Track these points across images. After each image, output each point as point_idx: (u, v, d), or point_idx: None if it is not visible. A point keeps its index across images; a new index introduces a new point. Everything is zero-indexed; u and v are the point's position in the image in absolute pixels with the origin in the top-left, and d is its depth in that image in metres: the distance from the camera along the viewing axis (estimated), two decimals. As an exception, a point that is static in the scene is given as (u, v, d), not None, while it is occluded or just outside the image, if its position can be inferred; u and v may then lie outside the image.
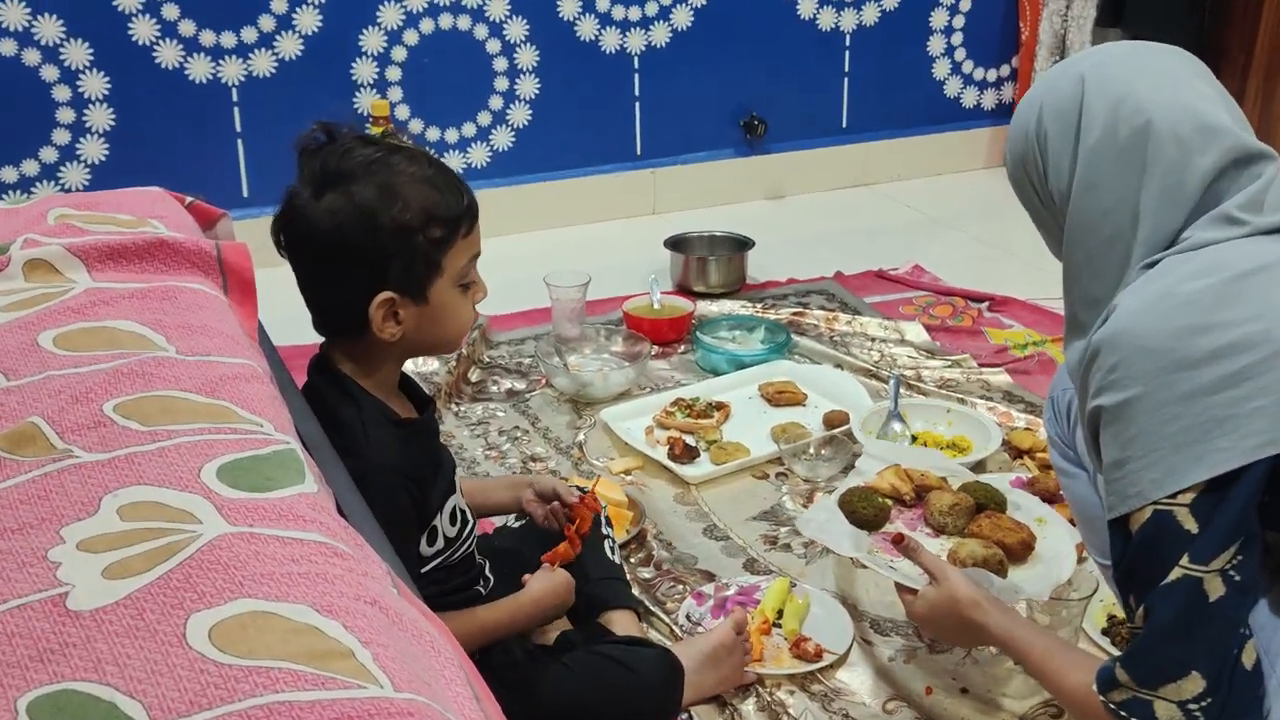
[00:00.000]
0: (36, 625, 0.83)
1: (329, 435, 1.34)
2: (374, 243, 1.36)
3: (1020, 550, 1.60)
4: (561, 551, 1.62)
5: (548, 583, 1.57)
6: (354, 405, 1.43)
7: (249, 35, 3.05)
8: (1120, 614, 1.76)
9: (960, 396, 2.44)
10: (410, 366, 2.11)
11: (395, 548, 1.32)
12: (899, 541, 1.53)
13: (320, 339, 1.49)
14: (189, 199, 1.61)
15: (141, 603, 0.85)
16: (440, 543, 1.52)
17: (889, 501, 1.70)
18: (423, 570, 1.50)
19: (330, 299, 1.42)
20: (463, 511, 1.57)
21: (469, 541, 1.58)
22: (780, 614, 1.80)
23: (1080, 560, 1.87)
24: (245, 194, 3.13)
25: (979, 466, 2.18)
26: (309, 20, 3.09)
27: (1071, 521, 1.68)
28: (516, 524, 1.80)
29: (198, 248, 1.37)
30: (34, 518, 0.94)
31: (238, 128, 3.10)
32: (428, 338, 1.43)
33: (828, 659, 1.72)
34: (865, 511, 1.65)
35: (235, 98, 3.07)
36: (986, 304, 2.90)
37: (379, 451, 1.41)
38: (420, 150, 1.44)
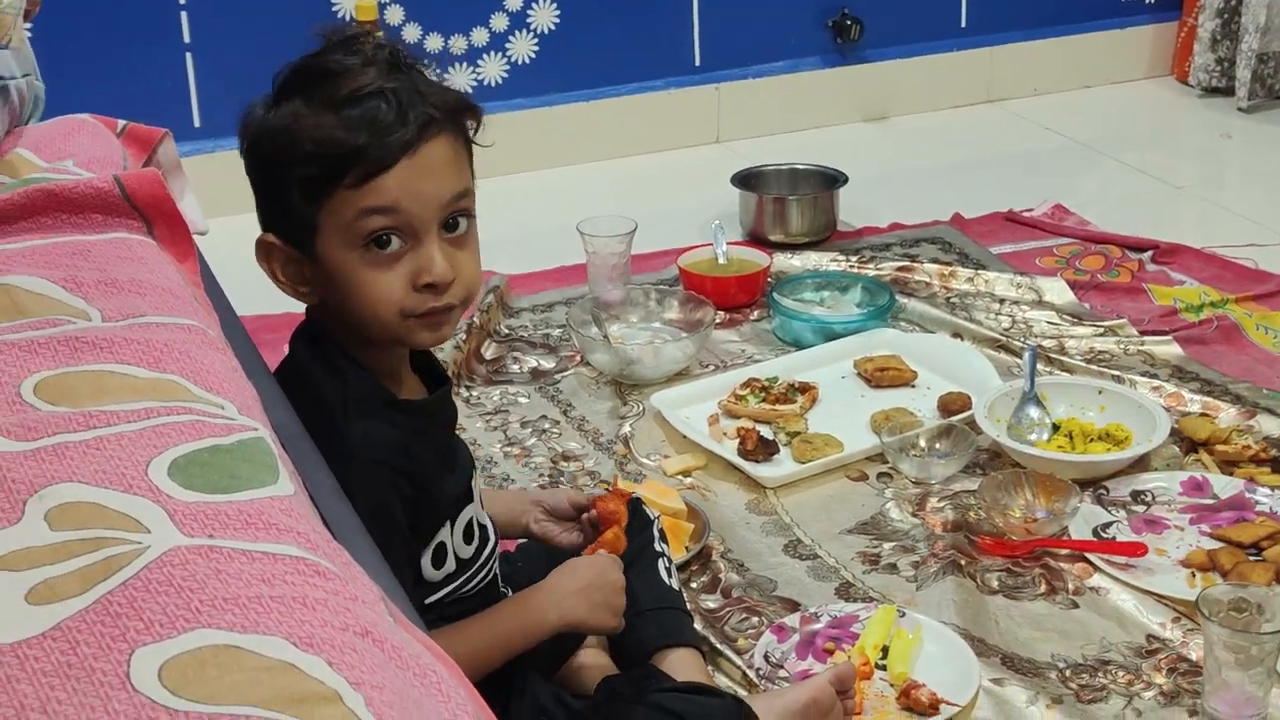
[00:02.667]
0: (-56, 662, 0.85)
1: (309, 422, 1.35)
2: (250, 166, 1.46)
3: None
4: (609, 540, 1.63)
5: (585, 563, 1.57)
6: (339, 380, 1.46)
7: (199, -81, 3.08)
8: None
9: (1116, 373, 2.42)
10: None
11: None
12: None
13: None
14: (122, 124, 1.63)
15: (75, 634, 0.86)
16: (451, 564, 1.53)
17: None
18: (427, 601, 1.51)
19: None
20: (482, 526, 1.58)
21: (489, 566, 1.59)
22: (885, 652, 1.80)
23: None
24: (196, 122, 3.16)
25: (1142, 463, 2.17)
26: (275, -101, 3.11)
27: None
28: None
29: (94, 189, 1.38)
30: (-62, 527, 0.96)
31: (186, 38, 3.12)
32: (353, 314, 1.45)
33: (946, 712, 1.71)
34: None
35: (182, 0, 3.10)
36: (1150, 254, 2.88)
37: (361, 437, 1.43)
38: (402, 65, 1.44)
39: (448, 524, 1.52)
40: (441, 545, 1.51)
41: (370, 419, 1.44)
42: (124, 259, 1.31)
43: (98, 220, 1.38)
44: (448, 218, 1.43)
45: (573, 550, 1.71)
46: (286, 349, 1.53)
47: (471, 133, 1.48)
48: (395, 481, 1.45)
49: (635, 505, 1.79)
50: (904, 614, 1.86)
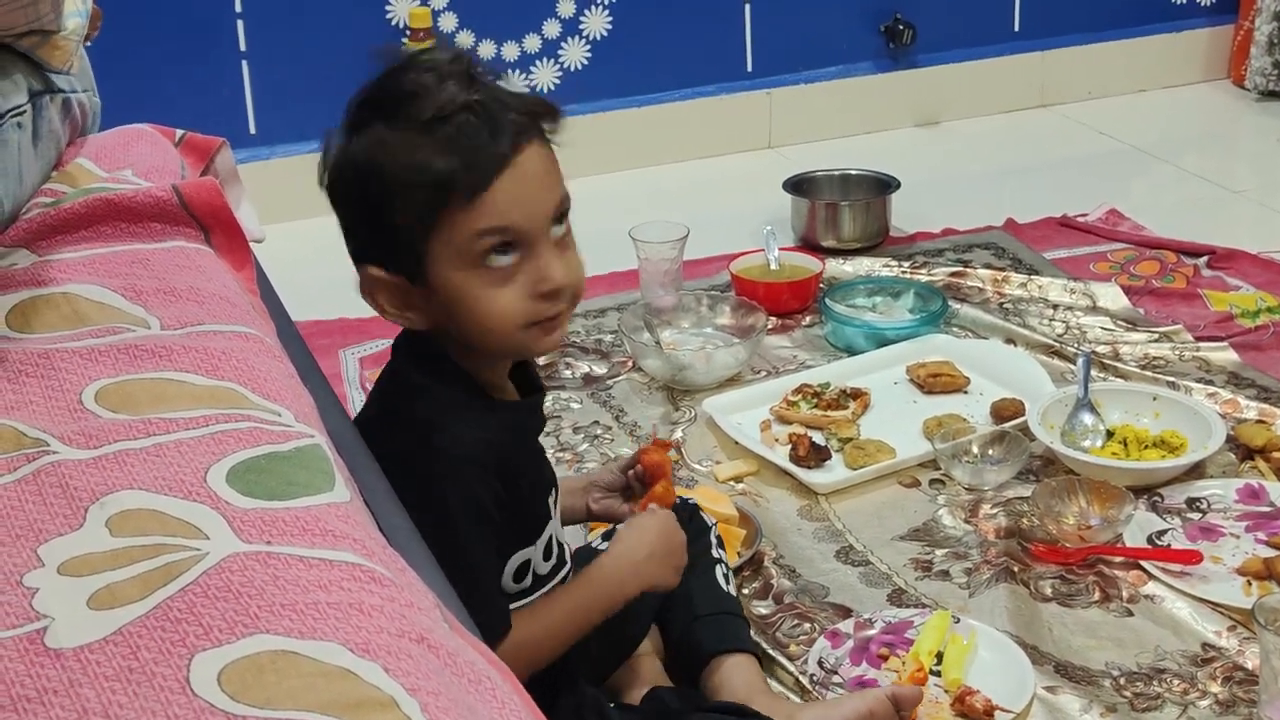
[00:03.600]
0: (8, 667, 0.86)
1: (405, 428, 1.38)
2: (345, 202, 1.42)
3: None
4: (657, 494, 1.63)
5: (640, 529, 1.57)
6: (442, 384, 1.46)
7: (255, -71, 3.11)
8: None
9: (1171, 380, 2.40)
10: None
11: (465, 560, 1.37)
12: None
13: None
14: (180, 133, 1.65)
15: (136, 639, 0.87)
16: (529, 580, 1.53)
17: None
18: None
19: None
20: (560, 545, 1.58)
21: (562, 582, 1.59)
22: (939, 658, 1.80)
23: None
24: (252, 130, 3.18)
25: (1197, 470, 2.15)
26: (329, -92, 3.13)
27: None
28: (603, 544, 1.81)
29: (152, 198, 1.40)
30: (4, 534, 0.97)
31: (242, 46, 3.15)
32: (467, 333, 1.44)
33: (1000, 718, 1.71)
34: None
35: (239, 8, 3.12)
36: (1206, 259, 2.86)
37: (458, 436, 1.43)
38: (477, 76, 1.41)
39: (538, 539, 1.52)
40: (525, 562, 1.52)
41: (468, 420, 1.45)
42: (182, 267, 1.33)
43: (156, 229, 1.39)
44: (553, 222, 1.43)
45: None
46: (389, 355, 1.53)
47: (550, 133, 1.45)
48: (487, 480, 1.44)
49: (693, 511, 1.79)
50: (958, 620, 1.86)
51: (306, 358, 1.45)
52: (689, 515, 1.75)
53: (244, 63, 3.15)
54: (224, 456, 1.04)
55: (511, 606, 1.50)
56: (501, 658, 1.44)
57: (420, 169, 1.36)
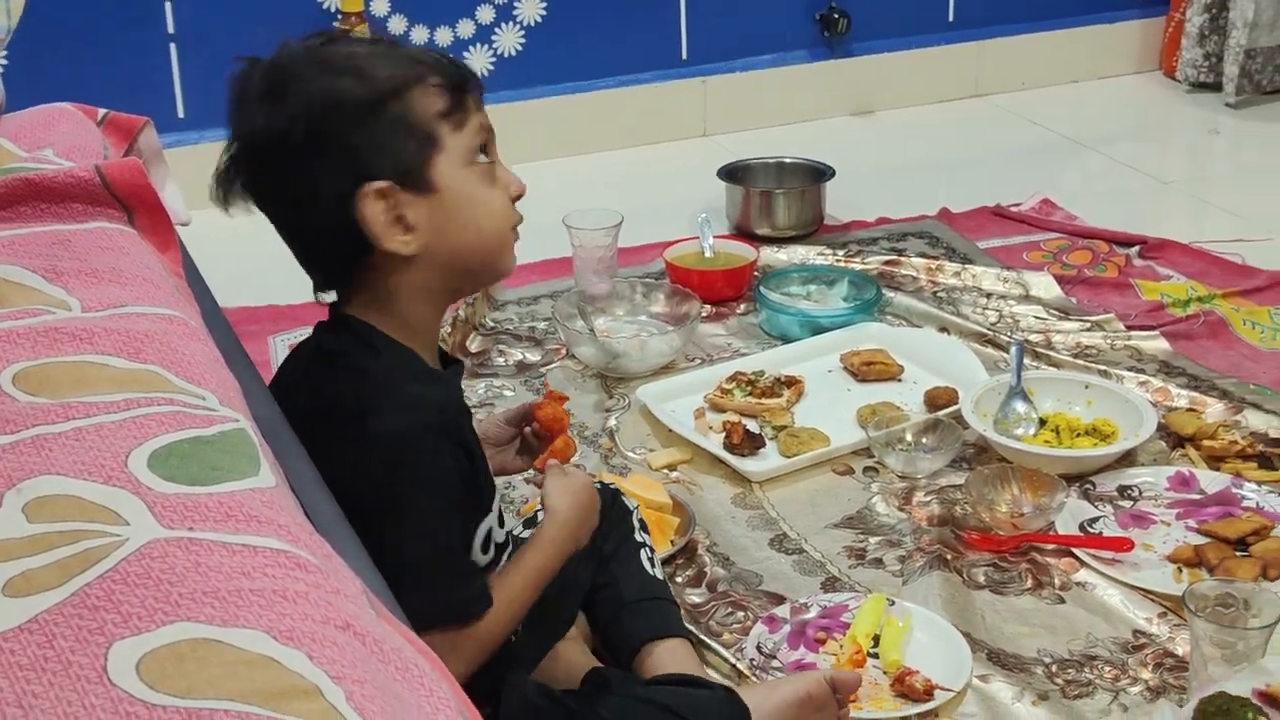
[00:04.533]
0: (-81, 655, 0.84)
1: (337, 408, 1.38)
2: (337, 127, 1.40)
3: None
4: (559, 449, 1.62)
5: (566, 492, 1.57)
6: (373, 355, 1.45)
7: (183, -91, 3.06)
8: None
9: (1103, 368, 2.42)
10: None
11: (437, 537, 1.40)
12: None
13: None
14: (103, 113, 1.62)
15: (52, 627, 0.86)
16: (492, 551, 1.53)
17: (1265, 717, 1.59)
18: None
19: (314, 226, 1.44)
20: (498, 543, 1.56)
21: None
22: (876, 641, 1.80)
23: (1262, 579, 1.87)
24: (181, 113, 3.14)
25: (1128, 458, 2.17)
26: (259, -111, 3.09)
27: None
28: (526, 532, 1.80)
29: (74, 178, 1.38)
30: (-86, 519, 0.95)
31: (170, 28, 3.11)
32: (459, 244, 1.44)
33: (941, 697, 1.71)
34: None
35: (166, -10, 3.09)
36: (1137, 249, 2.88)
37: (410, 409, 1.41)
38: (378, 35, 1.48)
39: (491, 509, 1.52)
40: (488, 532, 1.52)
41: (415, 388, 1.44)
42: (104, 249, 1.30)
43: (78, 210, 1.37)
44: None
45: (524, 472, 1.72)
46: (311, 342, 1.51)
47: None
48: (450, 449, 1.44)
49: (614, 495, 1.78)
50: (894, 603, 1.86)
51: (232, 342, 1.43)
52: (610, 499, 1.74)
53: (172, 45, 3.12)
54: (145, 440, 1.03)
55: None
56: (488, 631, 1.45)
57: (439, 66, 1.43)
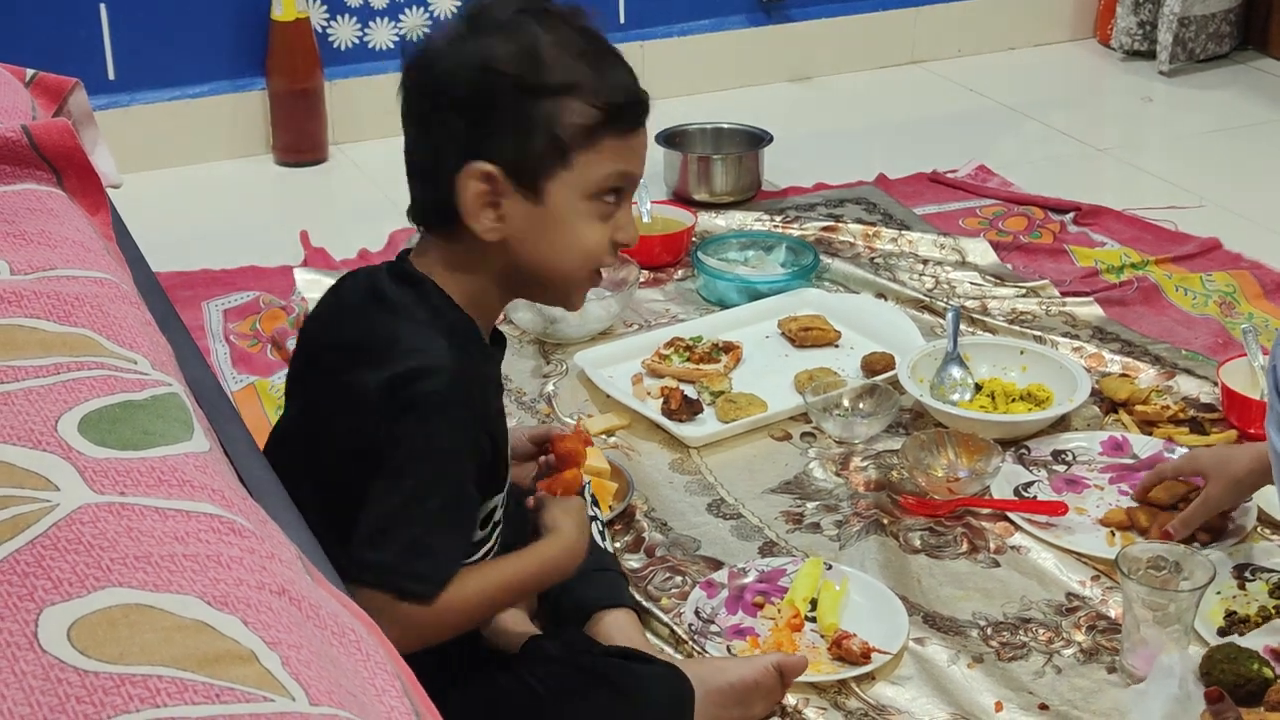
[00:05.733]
0: None
1: (368, 345, 1.38)
2: (484, 91, 1.38)
3: None
4: (567, 479, 1.60)
5: (573, 516, 1.53)
6: (432, 312, 1.43)
7: None
8: (1241, 609, 1.78)
9: (1037, 334, 2.44)
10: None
11: (416, 496, 1.37)
12: None
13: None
14: (31, 73, 1.60)
15: (-20, 593, 0.85)
16: (489, 528, 1.52)
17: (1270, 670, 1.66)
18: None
19: (424, 168, 1.44)
20: (496, 523, 1.54)
21: (490, 555, 1.55)
22: (813, 605, 1.81)
23: (1193, 542, 1.89)
24: (111, 75, 3.09)
25: (1063, 423, 2.18)
26: None
27: None
28: None
29: (1, 139, 1.36)
30: None
31: (100, -12, 3.07)
32: (538, 257, 1.42)
33: (878, 660, 1.73)
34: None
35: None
36: (1071, 215, 2.90)
37: (446, 371, 1.39)
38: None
39: (502, 490, 1.51)
40: (492, 510, 1.50)
41: (463, 352, 1.42)
42: (33, 210, 1.29)
43: (5, 171, 1.35)
44: None
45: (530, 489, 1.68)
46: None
47: None
48: (471, 423, 1.42)
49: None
50: (831, 567, 1.87)
51: (165, 305, 1.42)
52: None
53: (102, 6, 3.06)
54: (76, 405, 1.02)
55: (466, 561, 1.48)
56: (436, 616, 1.39)
57: (618, 89, 1.39)
